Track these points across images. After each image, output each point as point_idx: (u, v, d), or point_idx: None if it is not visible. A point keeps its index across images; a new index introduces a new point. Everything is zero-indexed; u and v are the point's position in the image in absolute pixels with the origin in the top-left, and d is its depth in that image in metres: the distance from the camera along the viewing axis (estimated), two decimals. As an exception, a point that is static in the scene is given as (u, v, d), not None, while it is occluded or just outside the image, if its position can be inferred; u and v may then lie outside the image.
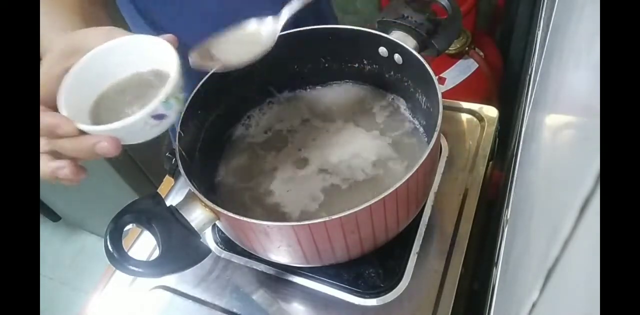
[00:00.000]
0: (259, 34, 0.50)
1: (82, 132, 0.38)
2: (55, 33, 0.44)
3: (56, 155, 0.41)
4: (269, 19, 0.50)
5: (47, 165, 0.40)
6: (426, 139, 0.59)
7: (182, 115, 0.52)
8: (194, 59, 0.48)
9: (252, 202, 0.57)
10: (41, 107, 0.38)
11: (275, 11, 0.62)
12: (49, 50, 0.41)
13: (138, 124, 0.39)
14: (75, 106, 0.40)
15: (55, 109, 0.39)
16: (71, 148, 0.38)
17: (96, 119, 0.41)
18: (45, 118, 0.38)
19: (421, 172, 0.46)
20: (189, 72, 0.43)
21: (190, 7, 0.64)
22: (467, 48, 1.23)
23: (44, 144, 0.41)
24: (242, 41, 0.50)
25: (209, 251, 0.47)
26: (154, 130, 0.41)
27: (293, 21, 0.65)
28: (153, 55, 0.42)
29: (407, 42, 0.55)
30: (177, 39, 0.43)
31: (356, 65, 0.62)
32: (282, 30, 0.56)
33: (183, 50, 0.43)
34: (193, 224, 0.46)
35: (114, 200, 0.92)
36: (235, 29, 0.50)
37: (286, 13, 0.49)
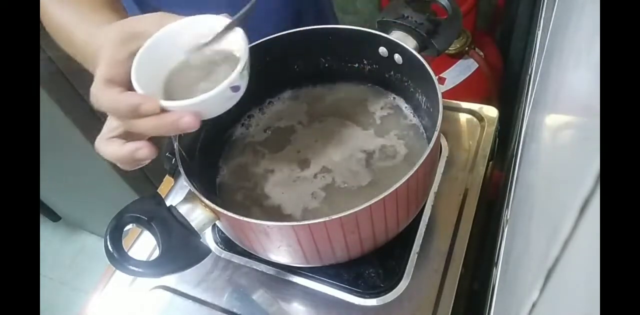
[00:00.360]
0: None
1: (163, 110, 0.39)
2: (96, 27, 0.45)
3: (126, 137, 0.42)
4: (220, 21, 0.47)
5: (123, 149, 0.41)
6: (426, 139, 0.59)
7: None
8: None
9: (252, 202, 0.57)
10: (120, 89, 0.39)
11: (278, 11, 0.62)
12: (100, 40, 0.42)
13: (219, 96, 0.40)
14: (150, 86, 0.41)
15: (129, 90, 0.40)
16: (154, 125, 0.39)
17: (170, 97, 0.42)
18: (129, 97, 0.38)
19: (421, 172, 0.46)
20: None
21: (192, 7, 0.64)
22: (467, 48, 1.23)
23: (113, 127, 0.42)
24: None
25: (209, 251, 0.47)
26: (229, 102, 0.43)
27: (294, 21, 0.65)
28: (216, 31, 0.44)
29: (407, 42, 0.55)
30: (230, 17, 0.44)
31: (356, 65, 0.62)
32: (283, 31, 0.56)
33: None
34: (193, 224, 0.46)
35: (114, 200, 0.92)
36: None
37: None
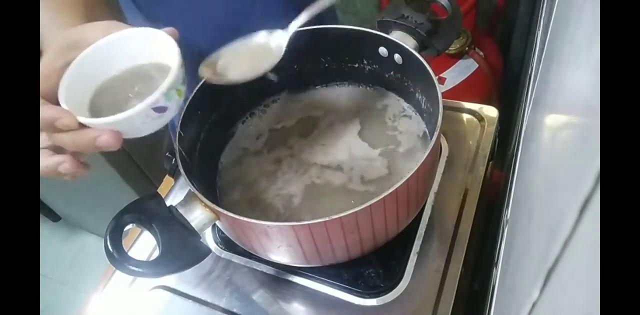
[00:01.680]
0: (267, 47, 0.50)
1: (83, 126, 0.38)
2: (56, 30, 0.44)
3: (57, 150, 0.41)
4: (278, 32, 0.50)
5: (47, 160, 0.40)
6: (426, 139, 0.59)
7: (182, 115, 0.52)
8: (203, 72, 0.48)
9: (252, 202, 0.57)
10: (42, 101, 0.38)
11: (278, 13, 0.62)
12: (49, 45, 0.41)
13: (139, 116, 0.38)
14: (76, 100, 0.40)
15: (56, 102, 0.39)
16: (71, 141, 0.38)
17: (96, 113, 0.41)
18: (46, 111, 0.37)
19: (421, 172, 0.46)
20: (189, 73, 0.43)
21: (193, 8, 0.64)
22: (467, 48, 1.23)
23: (44, 139, 0.41)
24: (251, 55, 0.50)
25: (209, 251, 0.47)
26: (155, 123, 0.40)
27: (295, 15, 0.64)
28: (153, 48, 0.42)
29: (407, 42, 0.55)
30: (177, 32, 0.43)
31: (356, 65, 0.62)
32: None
33: (184, 48, 0.43)
34: (193, 224, 0.46)
35: (114, 200, 0.92)
36: (244, 41, 0.50)
37: (294, 27, 0.49)
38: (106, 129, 0.38)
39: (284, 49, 0.50)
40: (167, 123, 0.41)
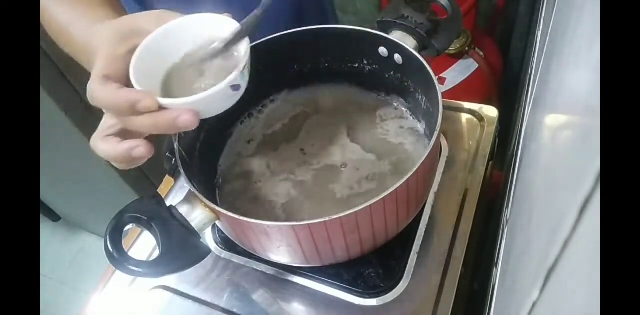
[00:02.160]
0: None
1: (161, 108, 0.39)
2: (93, 25, 0.44)
3: (124, 136, 0.41)
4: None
5: (120, 146, 0.40)
6: (426, 139, 0.59)
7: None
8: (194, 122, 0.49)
9: (253, 202, 0.57)
10: (118, 85, 0.38)
11: (280, 11, 0.61)
12: (99, 37, 0.41)
13: (219, 94, 0.40)
14: (147, 83, 0.41)
15: (127, 87, 0.39)
16: (151, 123, 0.39)
17: (168, 95, 0.42)
18: (127, 94, 0.38)
19: (421, 172, 0.46)
20: None
21: (194, 6, 0.64)
22: (467, 48, 1.23)
23: (110, 125, 0.41)
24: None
25: (209, 251, 0.47)
26: (229, 101, 0.42)
27: (295, 21, 0.65)
28: (216, 30, 0.43)
29: (407, 42, 0.55)
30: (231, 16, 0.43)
31: (356, 65, 0.62)
32: (283, 31, 0.56)
33: None
34: (193, 224, 0.46)
35: (114, 200, 0.92)
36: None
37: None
38: (185, 109, 0.39)
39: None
40: (236, 102, 0.43)
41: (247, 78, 0.42)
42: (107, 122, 0.42)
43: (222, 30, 0.43)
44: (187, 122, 0.39)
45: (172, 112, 0.39)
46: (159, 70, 0.43)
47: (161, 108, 0.39)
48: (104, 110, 0.41)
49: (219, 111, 0.43)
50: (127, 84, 0.40)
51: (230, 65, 0.42)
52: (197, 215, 0.47)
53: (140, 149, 0.40)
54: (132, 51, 0.40)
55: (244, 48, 0.42)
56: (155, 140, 0.43)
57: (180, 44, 0.43)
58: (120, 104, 0.38)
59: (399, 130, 0.61)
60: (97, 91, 0.38)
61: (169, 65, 0.44)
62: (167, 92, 0.43)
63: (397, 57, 0.56)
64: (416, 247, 0.59)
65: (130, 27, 0.42)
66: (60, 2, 0.48)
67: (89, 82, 0.39)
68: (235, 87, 0.41)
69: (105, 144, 0.41)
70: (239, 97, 0.43)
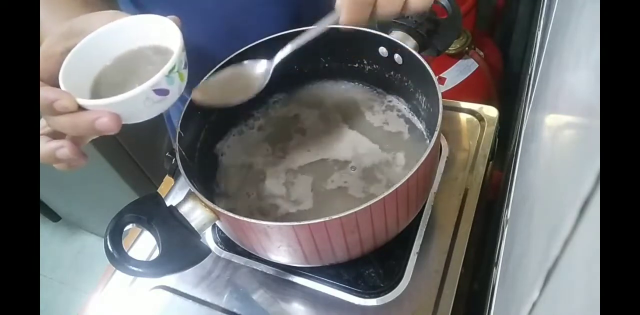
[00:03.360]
0: (253, 75, 0.52)
1: (83, 109, 0.38)
2: (57, 23, 0.44)
3: (56, 136, 0.41)
4: (263, 62, 0.52)
5: (45, 146, 0.39)
6: (426, 139, 0.59)
7: (182, 115, 0.52)
8: (195, 95, 0.50)
9: (252, 202, 0.57)
10: (41, 84, 0.38)
11: (276, 14, 0.61)
12: (50, 32, 0.41)
13: (139, 97, 0.38)
14: (77, 84, 0.40)
15: (56, 86, 0.39)
16: (70, 124, 0.38)
17: (97, 97, 0.41)
18: (45, 92, 0.37)
19: (421, 172, 0.46)
20: (189, 72, 0.43)
21: (191, 7, 0.64)
22: (467, 48, 1.23)
23: (42, 124, 0.41)
24: (238, 82, 0.52)
25: (209, 251, 0.47)
26: (156, 107, 0.40)
27: (295, 21, 0.65)
28: (155, 33, 0.42)
29: (407, 42, 0.55)
30: (179, 19, 0.43)
31: (356, 65, 0.62)
32: (285, 30, 0.56)
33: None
34: (193, 224, 0.46)
35: (114, 200, 0.92)
36: (232, 68, 0.53)
37: (278, 58, 0.51)
38: (105, 111, 0.38)
39: (268, 77, 0.51)
40: (166, 109, 0.41)
41: (179, 83, 0.40)
42: (42, 122, 0.41)
43: (161, 32, 0.41)
44: (106, 125, 0.37)
45: (91, 114, 0.37)
46: (92, 71, 0.42)
47: (82, 109, 0.38)
48: None
49: (147, 117, 0.40)
50: (57, 83, 0.39)
51: (160, 63, 0.40)
52: (197, 215, 0.47)
53: (64, 150, 0.39)
54: (69, 50, 0.40)
55: (176, 46, 0.39)
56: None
57: (116, 45, 0.42)
58: (41, 102, 0.37)
59: (399, 130, 0.61)
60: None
61: (100, 66, 0.43)
62: (97, 93, 0.41)
63: (397, 57, 0.56)
64: (416, 247, 0.59)
65: (77, 26, 0.41)
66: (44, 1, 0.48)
67: None
68: (161, 92, 0.39)
69: (40, 141, 0.40)
70: (170, 103, 0.40)
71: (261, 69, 0.52)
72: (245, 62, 0.53)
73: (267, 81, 0.51)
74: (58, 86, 0.39)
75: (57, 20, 0.46)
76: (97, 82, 0.42)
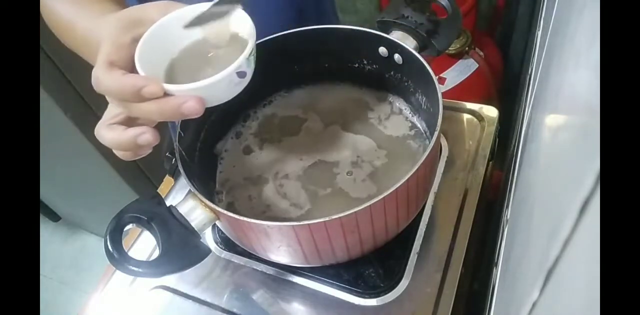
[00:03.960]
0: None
1: (166, 94, 0.39)
2: (93, 17, 0.44)
3: (128, 124, 0.41)
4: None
5: (125, 134, 0.40)
6: (426, 139, 0.59)
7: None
8: None
9: (252, 202, 0.57)
10: (122, 72, 0.38)
11: (280, 9, 0.61)
12: (104, 28, 0.41)
13: (224, 81, 0.39)
14: (152, 70, 0.41)
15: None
16: (158, 109, 0.38)
17: (171, 82, 0.41)
18: (132, 79, 0.38)
19: (421, 172, 0.46)
20: None
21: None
22: (467, 48, 1.23)
23: (113, 114, 0.41)
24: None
25: (209, 251, 0.47)
26: (235, 88, 0.42)
27: (295, 21, 0.65)
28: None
29: (407, 42, 0.55)
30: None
31: (356, 65, 0.62)
32: (284, 30, 0.56)
33: None
34: (193, 224, 0.46)
35: (114, 200, 0.92)
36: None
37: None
38: (191, 95, 0.39)
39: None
40: (242, 89, 0.42)
41: (253, 65, 0.42)
42: (112, 112, 0.42)
43: (230, 17, 0.43)
44: (192, 108, 0.38)
45: (178, 98, 0.38)
46: (164, 59, 0.43)
47: (167, 94, 0.38)
48: (109, 99, 0.41)
49: (225, 99, 0.42)
50: (133, 71, 0.40)
51: (236, 54, 0.41)
52: (197, 215, 0.47)
53: (146, 136, 0.40)
54: (137, 40, 0.40)
55: (249, 32, 0.41)
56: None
57: (184, 33, 0.43)
58: (125, 89, 0.37)
59: (399, 130, 0.61)
60: (103, 77, 0.38)
61: (173, 53, 0.44)
62: (172, 79, 0.43)
63: (397, 57, 0.56)
64: (416, 247, 0.59)
65: (136, 16, 0.42)
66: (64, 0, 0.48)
67: (94, 69, 0.39)
68: (241, 74, 0.41)
69: (110, 132, 0.41)
70: (245, 84, 0.42)
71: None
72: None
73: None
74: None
75: (90, 16, 0.46)
76: (171, 68, 0.43)
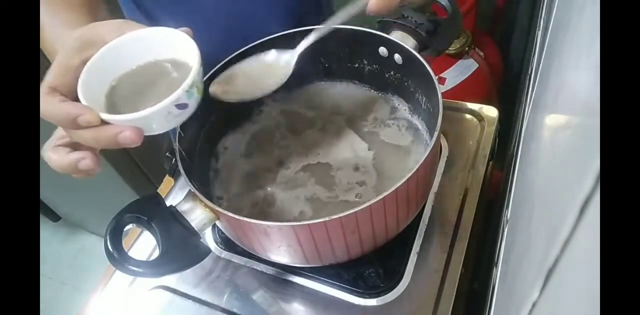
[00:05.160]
0: (276, 66, 0.51)
1: (104, 122, 0.38)
2: (69, 29, 0.44)
3: (74, 147, 0.41)
4: (287, 51, 0.51)
5: (67, 157, 0.40)
6: (426, 139, 0.59)
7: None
8: (214, 90, 0.49)
9: (253, 202, 0.57)
10: (62, 98, 0.39)
11: (279, 16, 0.61)
12: (61, 43, 0.41)
13: (162, 112, 0.39)
14: (94, 96, 0.40)
15: (74, 100, 0.39)
16: (93, 138, 0.39)
17: (112, 109, 0.41)
18: (68, 107, 0.38)
19: (421, 172, 0.46)
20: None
21: (193, 9, 0.64)
22: (467, 48, 1.23)
23: (60, 136, 0.41)
24: (259, 73, 0.51)
25: (209, 251, 0.47)
26: (175, 120, 0.41)
27: (295, 21, 0.65)
28: (171, 45, 0.42)
29: (407, 42, 0.55)
30: (191, 32, 0.43)
31: (356, 65, 0.62)
32: (283, 31, 0.56)
33: None
34: (193, 224, 0.46)
35: (114, 200, 0.92)
36: (254, 59, 0.52)
37: (302, 47, 0.50)
38: (127, 125, 0.38)
39: (292, 67, 0.51)
40: (183, 121, 0.42)
41: (197, 97, 0.41)
42: (59, 133, 0.42)
43: (177, 45, 0.42)
44: (128, 138, 0.38)
45: (114, 128, 0.38)
46: (107, 83, 0.43)
47: (105, 122, 0.38)
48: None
49: (165, 129, 0.41)
50: (76, 96, 0.39)
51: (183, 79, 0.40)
52: (197, 215, 0.47)
53: (86, 161, 0.40)
54: (85, 62, 0.40)
55: (194, 62, 0.40)
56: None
57: (132, 57, 0.43)
58: (62, 117, 0.37)
59: (399, 130, 0.61)
60: (43, 103, 0.38)
61: (116, 78, 0.43)
62: (112, 104, 0.42)
63: (397, 57, 0.56)
64: (416, 247, 0.59)
65: (89, 37, 0.41)
66: (42, 1, 0.48)
67: (40, 94, 0.39)
68: (181, 106, 0.40)
69: (54, 154, 0.41)
70: (187, 116, 0.41)
71: (284, 58, 0.51)
72: (268, 53, 0.52)
73: (291, 71, 0.50)
74: (77, 99, 0.39)
75: (57, 24, 0.46)
76: (111, 93, 0.43)
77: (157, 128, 0.41)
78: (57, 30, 0.45)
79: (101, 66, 0.41)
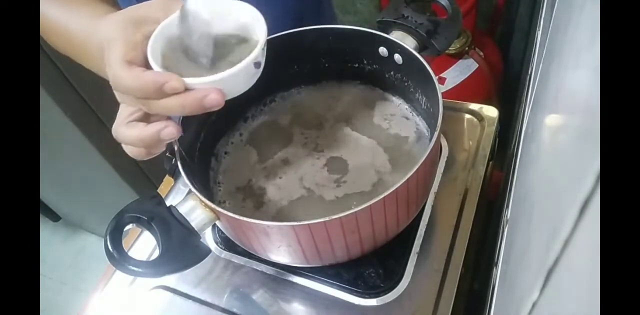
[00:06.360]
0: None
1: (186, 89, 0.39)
2: (85, 18, 0.44)
3: (145, 120, 0.42)
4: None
5: (147, 130, 0.40)
6: (426, 139, 0.59)
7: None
8: None
9: (253, 202, 0.57)
10: (141, 69, 0.39)
11: (278, 15, 0.61)
12: (103, 28, 0.41)
13: (244, 71, 0.40)
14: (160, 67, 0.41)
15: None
16: (179, 104, 0.39)
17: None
18: (153, 76, 0.38)
19: (421, 172, 0.46)
20: None
21: None
22: (467, 48, 1.23)
23: (130, 112, 0.41)
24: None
25: (209, 251, 0.47)
26: (251, 80, 0.43)
27: (295, 21, 0.65)
28: (231, 13, 0.43)
29: (407, 42, 0.55)
30: None
31: (356, 65, 0.62)
32: (283, 31, 0.56)
33: None
34: (193, 224, 0.46)
35: (114, 200, 0.92)
36: None
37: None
38: (210, 88, 0.39)
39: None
40: (255, 81, 0.43)
41: (264, 56, 0.43)
42: (126, 111, 0.42)
43: (238, 13, 0.43)
44: (214, 101, 0.39)
45: (199, 92, 0.39)
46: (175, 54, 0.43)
47: (186, 89, 0.39)
48: (120, 99, 0.41)
49: (242, 90, 0.43)
50: (148, 68, 0.40)
51: (243, 50, 0.42)
52: (197, 215, 0.47)
53: (169, 129, 0.40)
54: (147, 37, 0.41)
55: (260, 27, 0.42)
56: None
57: (194, 28, 0.43)
58: (147, 86, 0.38)
59: (399, 130, 0.61)
60: (122, 76, 0.38)
61: (183, 48, 0.44)
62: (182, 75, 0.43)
63: (397, 57, 0.56)
64: (416, 247, 0.59)
65: (141, 15, 0.42)
66: (51, 2, 0.48)
67: (112, 69, 0.39)
68: (257, 65, 0.41)
69: (131, 129, 0.41)
70: (258, 76, 0.43)
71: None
72: None
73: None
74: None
75: (83, 15, 0.45)
76: (176, 63, 0.43)
77: (238, 89, 0.42)
78: (83, 21, 0.45)
79: (162, 40, 0.42)
